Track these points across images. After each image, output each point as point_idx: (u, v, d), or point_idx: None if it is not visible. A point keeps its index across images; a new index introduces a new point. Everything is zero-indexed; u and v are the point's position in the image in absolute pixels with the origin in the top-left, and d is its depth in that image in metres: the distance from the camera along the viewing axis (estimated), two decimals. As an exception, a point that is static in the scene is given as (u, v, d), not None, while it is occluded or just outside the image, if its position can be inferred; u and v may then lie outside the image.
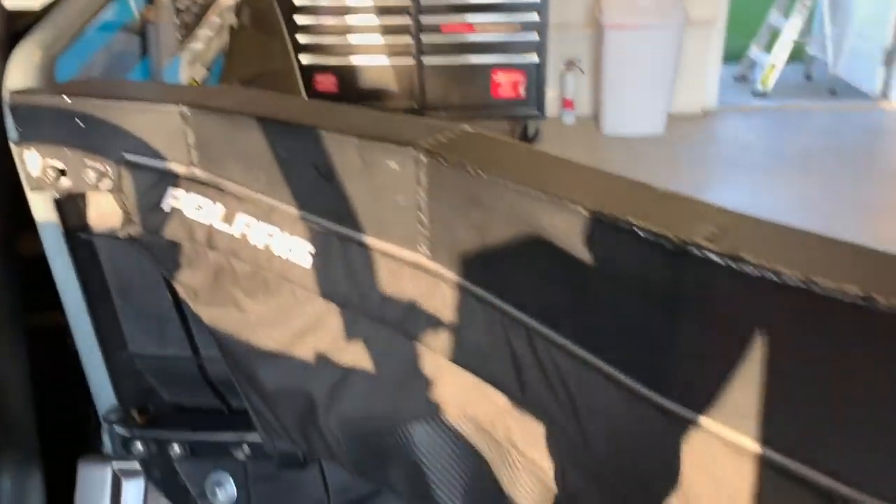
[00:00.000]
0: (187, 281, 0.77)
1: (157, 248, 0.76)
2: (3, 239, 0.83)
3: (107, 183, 0.74)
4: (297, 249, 0.69)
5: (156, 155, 0.71)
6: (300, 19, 4.01)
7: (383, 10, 4.15)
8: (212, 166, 0.70)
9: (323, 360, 0.74)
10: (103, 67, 0.90)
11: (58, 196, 0.79)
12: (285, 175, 0.66)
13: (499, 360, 0.62)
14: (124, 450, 0.94)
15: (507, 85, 4.32)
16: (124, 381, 0.92)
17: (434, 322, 0.65)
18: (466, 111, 4.43)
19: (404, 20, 4.15)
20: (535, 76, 4.27)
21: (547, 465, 0.64)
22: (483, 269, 0.59)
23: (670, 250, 0.46)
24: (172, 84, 1.06)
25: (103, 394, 0.94)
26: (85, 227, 0.81)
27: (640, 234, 0.47)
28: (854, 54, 5.28)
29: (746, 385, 0.46)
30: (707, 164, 4.42)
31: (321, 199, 0.66)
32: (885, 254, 0.47)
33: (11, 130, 0.76)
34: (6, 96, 0.73)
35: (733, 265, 0.43)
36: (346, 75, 4.31)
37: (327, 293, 0.69)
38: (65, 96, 0.70)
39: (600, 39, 4.62)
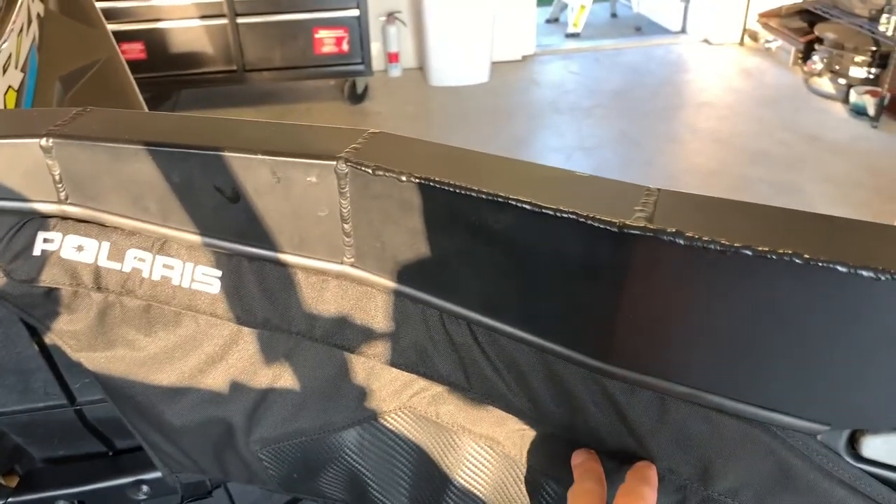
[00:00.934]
0: (65, 328, 0.69)
1: (26, 297, 0.66)
2: None
3: None
4: (201, 277, 0.63)
5: (15, 196, 0.61)
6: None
7: (188, -31, 3.87)
8: (87, 201, 0.62)
9: (238, 384, 0.69)
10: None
11: None
12: (181, 202, 0.59)
13: (440, 355, 0.61)
14: None
15: (329, 41, 4.20)
16: None
17: (366, 330, 0.63)
18: (290, 71, 4.28)
19: (213, -21, 3.90)
20: (358, 30, 4.19)
21: (498, 435, 0.65)
22: (418, 270, 0.58)
23: (614, 233, 0.47)
24: (20, 110, 0.91)
25: (-41, 462, 0.82)
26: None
27: (584, 221, 0.48)
28: (653, -8, 5.63)
29: (682, 345, 0.50)
30: (532, 108, 4.57)
31: (226, 221, 0.60)
32: (795, 211, 0.50)
33: None
34: None
35: (674, 240, 0.45)
36: (154, 41, 4.01)
37: (241, 317, 0.64)
38: None
39: (419, -10, 4.59)
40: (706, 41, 5.45)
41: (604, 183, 0.54)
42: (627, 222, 0.47)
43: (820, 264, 0.42)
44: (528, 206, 0.50)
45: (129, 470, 0.84)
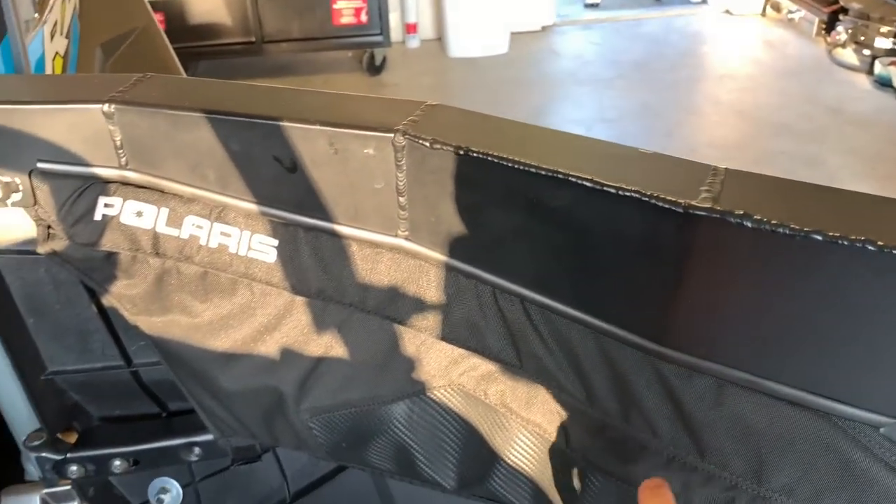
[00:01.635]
0: (123, 291, 0.70)
1: (86, 261, 0.68)
2: None
3: (16, 197, 0.65)
4: (258, 245, 0.64)
5: (78, 161, 0.63)
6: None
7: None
8: (147, 167, 0.63)
9: (290, 353, 0.71)
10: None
11: (-53, 216, 0.68)
12: (240, 170, 0.60)
13: (491, 331, 0.61)
14: (56, 474, 0.86)
15: (348, 12, 4.18)
16: (45, 402, 0.84)
17: (418, 303, 0.63)
18: (308, 42, 4.26)
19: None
20: (377, 1, 4.16)
21: (546, 422, 0.65)
22: (472, 245, 0.58)
23: (678, 213, 0.47)
24: (82, 76, 0.92)
25: (21, 419, 0.85)
26: (-16, 248, 0.71)
27: (647, 200, 0.48)
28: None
29: (744, 330, 0.49)
30: (552, 80, 4.53)
31: (284, 191, 0.61)
32: (867, 195, 0.50)
33: None
34: None
35: (742, 222, 0.45)
36: (174, 12, 3.99)
37: (296, 286, 0.65)
38: None
39: (437, -41, 4.54)
40: (727, 12, 5.37)
41: (668, 161, 0.54)
42: (693, 202, 0.46)
43: (894, 252, 0.41)
44: (588, 184, 0.50)
45: (182, 431, 0.86)
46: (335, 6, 4.15)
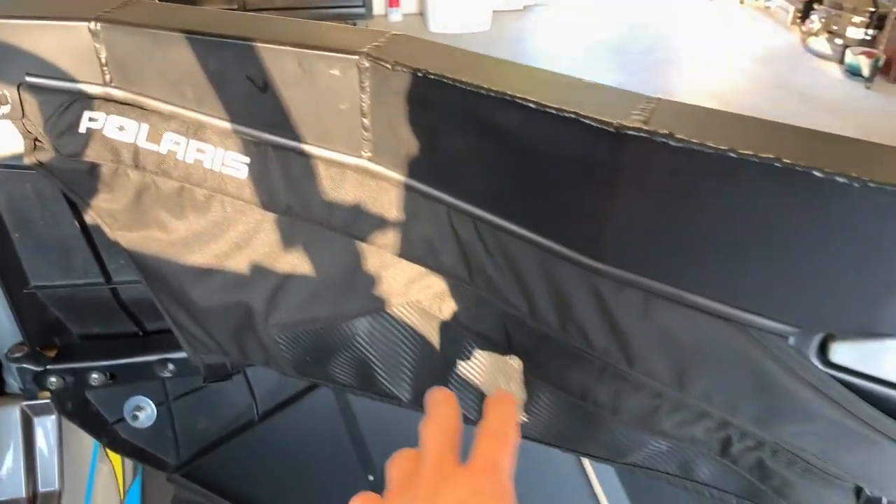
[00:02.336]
0: (104, 206, 0.75)
1: (70, 173, 0.72)
2: None
3: (4, 110, 0.69)
4: (230, 162, 0.69)
5: (65, 76, 0.67)
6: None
7: None
8: (130, 85, 0.67)
9: (260, 269, 0.76)
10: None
11: (-64, 127, 0.72)
12: (216, 89, 0.65)
13: (446, 249, 0.66)
14: (36, 386, 0.91)
15: (330, -18, 4.20)
16: (27, 316, 0.88)
17: (380, 222, 0.68)
18: (291, 11, 4.27)
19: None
20: (360, -28, 4.18)
21: (494, 335, 0.71)
22: (429, 167, 0.63)
23: (611, 133, 0.51)
24: None
25: (3, 332, 0.89)
26: (-30, 160, 0.76)
27: (584, 122, 0.52)
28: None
29: (668, 245, 0.55)
30: (531, 58, 4.58)
31: (256, 110, 0.65)
32: (784, 125, 0.55)
33: None
34: None
35: (667, 141, 0.49)
36: (155, -23, 3.98)
37: (265, 202, 0.70)
38: None
39: (421, -67, 4.56)
40: (707, -3, 5.45)
41: (607, 90, 0.59)
42: (624, 123, 0.51)
43: (798, 169, 0.46)
44: (532, 105, 0.54)
45: (157, 348, 0.91)
46: (318, -24, 4.17)
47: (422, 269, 0.70)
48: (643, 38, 4.86)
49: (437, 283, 0.72)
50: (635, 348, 0.60)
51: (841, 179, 0.45)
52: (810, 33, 4.59)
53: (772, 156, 0.47)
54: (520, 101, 0.55)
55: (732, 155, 0.48)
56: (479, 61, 0.63)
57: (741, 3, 5.40)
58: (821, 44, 4.53)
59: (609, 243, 0.58)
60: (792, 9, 4.88)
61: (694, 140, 0.49)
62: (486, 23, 4.80)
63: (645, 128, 0.51)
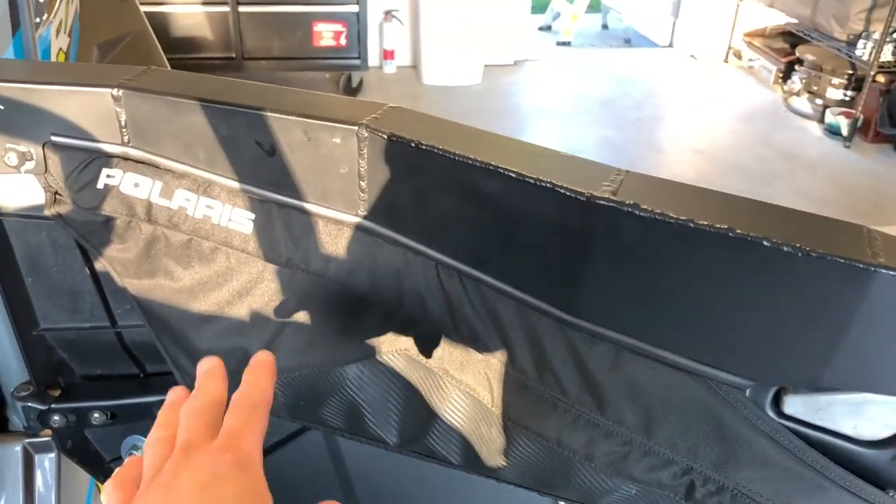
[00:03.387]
0: (116, 255, 0.80)
1: (86, 224, 0.78)
2: None
3: (29, 165, 0.75)
4: (237, 218, 0.74)
5: (87, 136, 0.73)
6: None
7: (195, -43, 3.97)
8: (146, 145, 0.73)
9: (259, 317, 0.81)
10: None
11: (-39, 178, 0.78)
12: (226, 152, 0.71)
13: (433, 301, 0.71)
14: (40, 424, 0.95)
15: (327, 35, 4.31)
16: (35, 357, 0.92)
17: (372, 276, 0.73)
18: (288, 61, 4.39)
19: (218, -33, 4.00)
20: (356, 26, 4.30)
21: (476, 383, 0.76)
22: (419, 225, 0.68)
23: (582, 202, 0.57)
24: (94, 64, 1.02)
25: (11, 371, 0.93)
26: (-7, 209, 0.81)
27: (559, 191, 0.58)
28: (645, 6, 5.78)
29: (634, 303, 0.60)
30: (520, 111, 4.71)
31: (262, 171, 0.71)
32: (740, 198, 0.61)
33: None
34: None
35: (633, 211, 0.55)
36: (157, 24, 4.08)
37: (268, 255, 0.75)
38: None
39: (417, -10, 4.71)
40: (692, 56, 5.61)
41: (581, 162, 0.65)
42: (595, 193, 0.57)
43: (749, 239, 0.52)
44: (513, 175, 0.61)
45: (157, 390, 0.95)
46: (316, 28, 4.28)
47: (410, 320, 0.76)
48: (630, 93, 5.00)
49: (425, 333, 0.77)
50: (606, 398, 0.66)
51: (787, 249, 0.51)
52: (792, 93, 4.74)
53: (726, 226, 0.53)
54: (502, 171, 0.62)
55: (691, 224, 0.54)
56: (467, 133, 0.70)
57: (725, 61, 5.57)
58: (802, 103, 4.68)
59: (582, 300, 0.64)
60: (774, 69, 5.05)
61: (657, 210, 0.56)
62: (478, 76, 4.94)
63: (613, 198, 0.58)
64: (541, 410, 0.72)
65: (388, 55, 4.96)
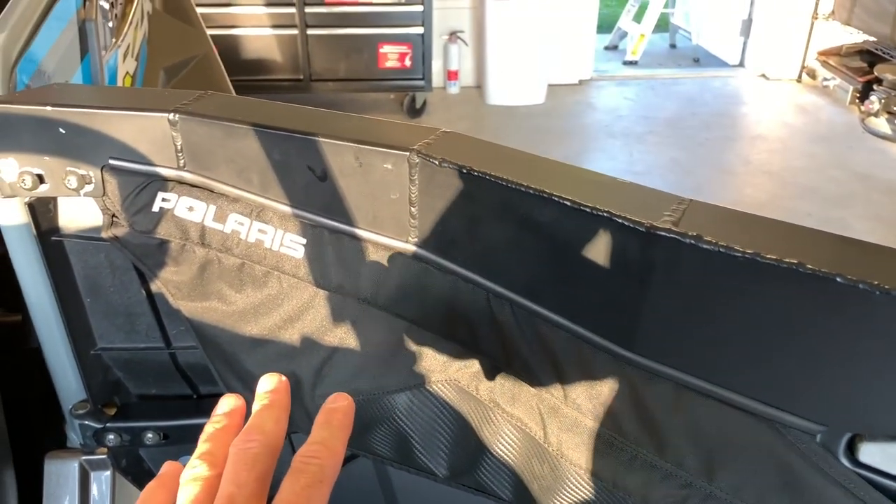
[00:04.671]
0: (170, 277, 0.81)
1: (141, 247, 0.79)
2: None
3: (88, 188, 0.76)
4: (289, 242, 0.74)
5: (143, 160, 0.74)
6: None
7: (266, -18, 4.08)
8: (201, 169, 0.74)
9: (309, 342, 0.80)
10: (53, 69, 0.90)
11: (29, 201, 0.80)
12: (279, 177, 0.71)
13: (484, 331, 0.69)
14: (96, 442, 0.96)
15: (393, 56, 4.36)
16: (92, 376, 0.94)
17: (422, 303, 0.72)
18: (354, 83, 4.45)
19: (287, -9, 4.10)
20: (421, 47, 4.34)
21: (528, 418, 0.73)
22: (470, 253, 0.67)
23: (642, 233, 0.54)
24: (152, 89, 1.06)
25: (69, 389, 0.95)
26: (56, 230, 0.83)
27: (617, 220, 0.55)
28: (714, 25, 5.67)
29: (697, 340, 0.57)
30: (585, 131, 4.66)
31: (314, 196, 0.71)
32: (812, 230, 0.58)
33: None
34: None
35: (696, 243, 0.52)
36: (229, 46, 4.21)
37: (318, 280, 0.75)
38: (47, 106, 0.72)
39: (482, 11, 4.73)
40: (764, 76, 5.47)
41: (642, 189, 0.63)
42: (655, 224, 0.55)
43: (820, 275, 0.48)
44: (568, 203, 0.59)
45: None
46: (381, 50, 4.34)
47: (461, 349, 0.74)
48: (699, 114, 4.90)
49: (475, 364, 0.75)
50: (665, 438, 0.62)
51: (863, 286, 0.47)
52: (869, 113, 4.56)
53: (796, 261, 0.49)
54: (557, 199, 0.60)
55: (758, 259, 0.51)
56: (521, 158, 0.68)
57: (798, 81, 5.41)
58: (880, 124, 4.49)
59: (640, 335, 0.61)
60: (851, 88, 4.86)
61: (721, 243, 0.52)
62: (541, 96, 4.91)
63: (675, 229, 0.55)
64: (596, 449, 0.69)
65: (452, 76, 4.99)
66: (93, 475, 1.01)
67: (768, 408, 0.56)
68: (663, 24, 5.89)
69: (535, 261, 0.65)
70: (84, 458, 0.99)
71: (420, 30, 4.28)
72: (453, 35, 4.88)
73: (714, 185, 3.97)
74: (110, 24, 1.08)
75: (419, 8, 4.22)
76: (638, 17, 5.64)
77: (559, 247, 0.62)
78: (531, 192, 0.61)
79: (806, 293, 0.50)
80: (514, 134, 4.51)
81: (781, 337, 0.53)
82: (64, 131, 0.73)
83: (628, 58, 5.63)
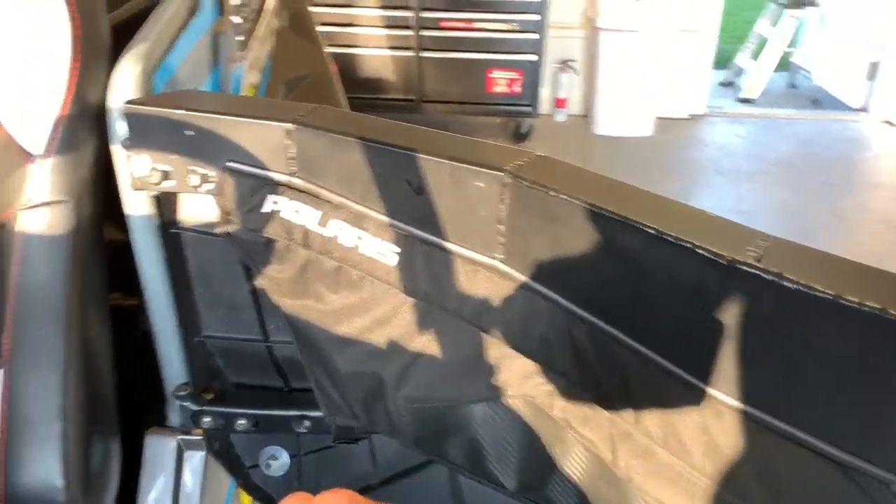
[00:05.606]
0: (274, 274, 0.87)
1: (249, 244, 0.85)
2: (96, 229, 0.92)
3: (208, 186, 0.84)
4: (383, 250, 0.79)
5: (259, 164, 0.80)
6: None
7: (387, 5, 4.23)
8: (310, 177, 0.80)
9: (395, 346, 0.84)
10: (186, 77, 0.99)
11: (155, 194, 0.88)
12: (379, 188, 0.76)
13: (561, 351, 0.71)
14: (192, 423, 1.04)
15: (502, 82, 4.42)
16: (195, 361, 1.02)
17: (504, 318, 0.75)
18: (462, 105, 4.54)
19: (406, 14, 4.23)
20: (532, 75, 4.38)
21: (599, 440, 0.74)
22: (553, 273, 0.69)
23: (724, 266, 0.55)
24: (271, 100, 1.15)
25: (173, 372, 1.03)
26: (175, 223, 0.91)
27: (699, 252, 0.56)
28: (838, 66, 5.45)
29: (770, 377, 0.57)
30: (692, 167, 4.57)
31: (410, 208, 0.75)
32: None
33: (117, 135, 0.85)
34: (118, 106, 0.82)
35: (777, 280, 0.52)
36: (347, 64, 4.38)
37: (408, 288, 0.79)
38: (179, 109, 0.79)
39: (595, 41, 4.73)
40: (888, 122, 5.20)
41: (727, 223, 0.63)
42: (737, 258, 0.55)
43: None
44: (652, 231, 0.60)
45: (298, 405, 1.01)
46: (491, 75, 4.40)
47: (538, 367, 0.76)
48: (816, 156, 4.71)
49: (551, 382, 0.77)
50: (733, 472, 0.63)
51: None
52: None
53: (879, 306, 0.49)
54: (641, 227, 0.61)
55: (840, 300, 0.51)
56: (609, 185, 0.70)
57: (929, 129, 5.11)
58: None
59: (715, 368, 0.62)
60: None
61: (803, 281, 0.53)
62: (649, 128, 4.86)
63: (756, 264, 0.55)
64: (664, 477, 0.70)
65: (560, 103, 5.01)
66: (187, 454, 1.08)
67: (842, 452, 0.55)
68: (785, 64, 5.70)
69: (617, 286, 0.66)
70: (181, 437, 1.07)
71: (534, 58, 4.32)
72: (565, 64, 4.90)
73: (826, 231, 3.80)
74: (240, 38, 1.17)
75: (534, 36, 4.26)
76: (756, 55, 5.49)
77: (641, 273, 0.64)
78: (616, 218, 0.63)
79: (887, 339, 0.50)
80: (620, 165, 4.47)
81: (859, 381, 0.53)
82: (191, 133, 0.80)
83: (743, 95, 5.48)
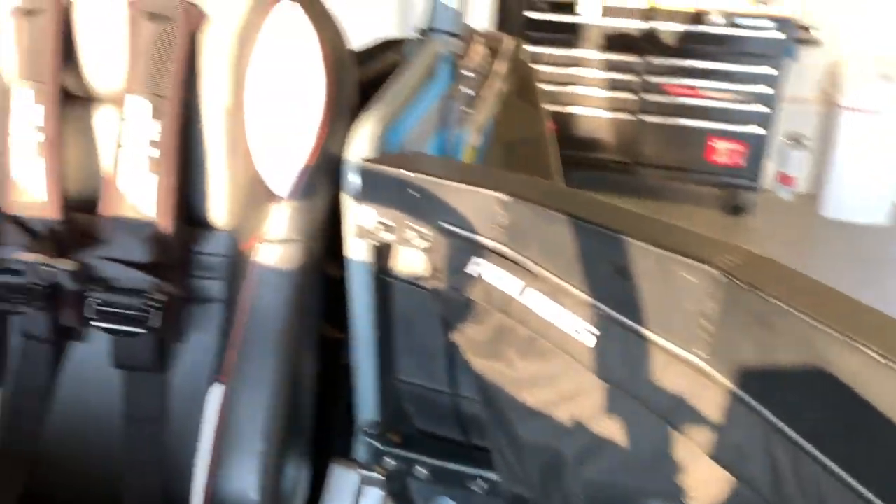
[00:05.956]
0: (469, 333, 0.90)
1: (451, 301, 0.89)
2: (319, 267, 1.01)
3: (422, 243, 0.89)
4: (579, 328, 0.79)
5: (470, 228, 0.84)
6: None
7: (611, 67, 4.24)
8: (516, 246, 0.82)
9: (579, 425, 0.83)
10: (415, 138, 1.07)
11: (375, 244, 0.95)
12: (582, 265, 0.76)
13: (757, 464, 0.67)
14: (375, 461, 1.09)
15: (724, 152, 4.25)
16: (387, 401, 1.07)
17: (698, 418, 0.71)
18: (678, 172, 4.41)
19: (630, 78, 4.22)
20: (757, 148, 4.17)
21: None
22: (759, 382, 0.65)
23: None
24: (490, 168, 1.22)
25: (366, 408, 1.09)
26: (388, 271, 0.97)
27: None
28: None
29: None
30: (937, 265, 4.08)
31: (610, 290, 0.75)
32: None
33: (349, 186, 0.93)
34: (354, 160, 0.90)
35: None
36: (565, 123, 4.44)
37: (602, 373, 0.78)
38: (406, 170, 0.86)
39: (832, 118, 4.42)
40: None
41: None
42: None
43: None
44: (875, 355, 0.55)
45: (476, 463, 1.03)
46: (712, 144, 4.25)
47: (726, 474, 0.72)
48: None
49: (740, 493, 0.73)
50: None
51: None
52: None
53: None
54: (863, 347, 0.56)
55: None
56: (831, 296, 0.65)
57: None
58: None
59: None
60: None
61: None
62: (886, 216, 4.42)
63: None
64: None
65: (786, 180, 4.70)
66: (364, 489, 1.14)
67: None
68: None
69: (829, 408, 0.61)
70: (364, 472, 1.13)
71: (761, 131, 4.12)
72: (797, 139, 4.61)
73: None
74: (468, 110, 1.25)
75: (764, 109, 4.07)
76: None
77: (860, 399, 0.59)
78: (836, 334, 0.58)
79: None
80: (849, 255, 4.10)
81: None
82: (414, 193, 0.86)
83: None
